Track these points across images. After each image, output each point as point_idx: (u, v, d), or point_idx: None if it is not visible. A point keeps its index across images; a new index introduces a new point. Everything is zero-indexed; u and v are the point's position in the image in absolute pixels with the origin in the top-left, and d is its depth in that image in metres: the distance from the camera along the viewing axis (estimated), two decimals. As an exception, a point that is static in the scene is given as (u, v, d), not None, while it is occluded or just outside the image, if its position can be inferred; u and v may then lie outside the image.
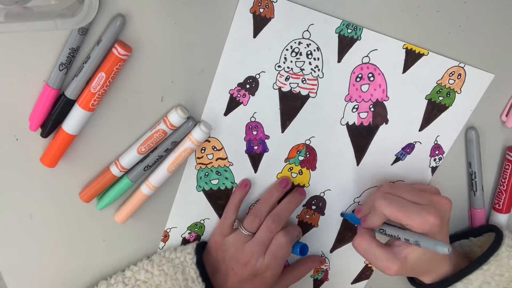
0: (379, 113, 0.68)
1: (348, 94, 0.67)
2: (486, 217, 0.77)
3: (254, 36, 0.62)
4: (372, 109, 0.68)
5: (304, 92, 0.66)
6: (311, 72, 0.65)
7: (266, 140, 0.69)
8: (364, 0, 0.62)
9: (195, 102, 0.65)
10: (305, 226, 0.76)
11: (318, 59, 0.64)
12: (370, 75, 0.66)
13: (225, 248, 0.70)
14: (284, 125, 0.68)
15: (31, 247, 0.70)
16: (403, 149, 0.71)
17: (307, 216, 0.75)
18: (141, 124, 0.65)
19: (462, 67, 0.67)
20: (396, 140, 0.71)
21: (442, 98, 0.68)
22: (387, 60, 0.66)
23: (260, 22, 0.62)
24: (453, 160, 0.73)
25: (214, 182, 0.70)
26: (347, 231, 0.77)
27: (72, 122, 0.61)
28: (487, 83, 0.68)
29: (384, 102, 0.68)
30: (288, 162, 0.70)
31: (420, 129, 0.70)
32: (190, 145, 0.64)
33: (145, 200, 0.68)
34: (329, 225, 0.76)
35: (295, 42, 0.63)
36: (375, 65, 0.66)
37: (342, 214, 0.75)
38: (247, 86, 0.65)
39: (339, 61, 0.65)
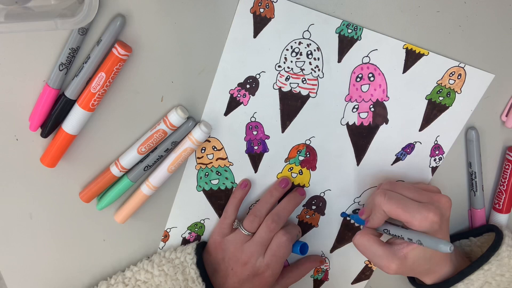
0: (379, 113, 0.68)
1: (348, 94, 0.67)
2: (486, 217, 0.77)
3: (254, 36, 0.62)
4: (372, 109, 0.68)
5: (304, 92, 0.66)
6: (311, 72, 0.65)
7: (266, 140, 0.68)
8: (364, 0, 0.62)
9: (195, 102, 0.65)
10: (305, 226, 0.76)
11: (318, 59, 0.64)
12: (370, 75, 0.66)
13: (225, 248, 0.70)
14: (284, 125, 0.68)
15: (31, 247, 0.70)
16: (403, 149, 0.71)
17: (307, 216, 0.75)
18: (141, 124, 0.65)
19: (462, 67, 0.67)
20: (396, 140, 0.70)
21: (442, 98, 0.68)
22: (387, 60, 0.66)
23: (260, 22, 0.62)
24: (453, 160, 0.73)
25: (214, 182, 0.70)
26: (347, 231, 0.77)
27: (72, 122, 0.61)
28: (487, 83, 0.68)
29: (384, 102, 0.68)
30: (288, 162, 0.70)
31: (420, 129, 0.70)
32: (190, 145, 0.64)
33: (145, 200, 0.68)
34: (329, 225, 0.76)
35: (295, 42, 0.63)
36: (375, 65, 0.66)
37: (344, 214, 0.75)
38: (247, 86, 0.65)
39: (339, 61, 0.65)
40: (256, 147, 0.69)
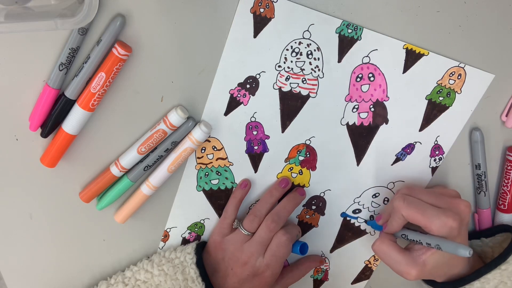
0: (379, 113, 0.68)
1: (348, 94, 0.67)
2: (491, 217, 0.77)
3: (255, 36, 0.62)
4: (372, 109, 0.68)
5: (304, 92, 0.66)
6: (311, 72, 0.65)
7: (266, 140, 0.68)
8: (364, 0, 0.62)
9: (195, 102, 0.65)
10: (305, 226, 0.76)
11: (319, 59, 0.64)
12: (370, 75, 0.66)
13: (225, 248, 0.70)
14: (284, 125, 0.68)
15: (31, 247, 0.70)
16: (403, 149, 0.71)
17: (307, 216, 0.75)
18: (141, 124, 0.65)
19: (462, 67, 0.67)
20: (396, 140, 0.70)
21: (442, 98, 0.68)
22: (388, 60, 0.65)
23: (260, 22, 0.62)
24: (453, 161, 0.73)
25: (214, 182, 0.70)
26: (347, 231, 0.77)
27: (72, 122, 0.61)
28: (487, 83, 0.68)
29: (384, 102, 0.68)
30: (288, 162, 0.70)
31: (420, 129, 0.70)
32: (190, 145, 0.64)
33: (145, 200, 0.68)
34: (329, 225, 0.76)
35: (295, 42, 0.63)
36: (376, 65, 0.66)
37: (344, 214, 0.75)
38: (248, 86, 0.65)
39: (339, 61, 0.65)
40: (256, 147, 0.69)
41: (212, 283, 0.68)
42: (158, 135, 0.63)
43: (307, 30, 0.63)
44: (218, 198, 0.71)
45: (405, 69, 0.66)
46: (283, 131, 0.68)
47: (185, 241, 0.74)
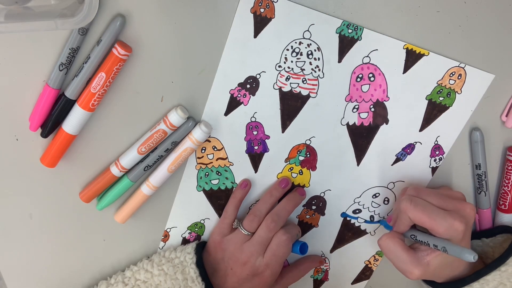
0: (380, 113, 0.68)
1: (349, 94, 0.67)
2: (492, 217, 0.77)
3: (255, 36, 0.62)
4: (372, 109, 0.68)
5: (304, 92, 0.66)
6: (311, 72, 0.65)
7: (266, 140, 0.68)
8: (364, 0, 0.62)
9: (195, 102, 0.65)
10: (305, 226, 0.76)
11: (319, 59, 0.64)
12: (370, 75, 0.66)
13: (224, 247, 0.70)
14: (284, 125, 0.68)
15: (31, 247, 0.70)
16: (403, 149, 0.71)
17: (307, 216, 0.75)
18: (141, 124, 0.65)
19: (463, 68, 0.67)
20: (396, 140, 0.70)
21: (442, 98, 0.68)
22: (388, 60, 0.65)
23: (260, 22, 0.62)
24: (453, 161, 0.73)
25: (214, 182, 0.70)
26: (347, 231, 0.77)
27: (72, 122, 0.61)
28: (487, 83, 0.68)
29: (384, 102, 0.68)
30: (288, 162, 0.70)
31: (421, 130, 0.70)
32: (191, 145, 0.64)
33: (146, 200, 0.68)
34: (329, 225, 0.76)
35: (295, 42, 0.63)
36: (376, 65, 0.66)
37: (344, 214, 0.75)
38: (248, 86, 0.65)
39: (339, 61, 0.65)
40: (256, 147, 0.69)
41: (212, 283, 0.68)
42: (158, 135, 0.63)
43: (308, 30, 0.63)
44: (218, 198, 0.71)
45: (405, 69, 0.66)
46: (283, 131, 0.68)
47: (185, 241, 0.74)
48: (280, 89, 0.65)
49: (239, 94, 0.65)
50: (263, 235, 0.68)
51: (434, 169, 0.73)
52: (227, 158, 0.69)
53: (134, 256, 0.73)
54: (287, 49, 0.63)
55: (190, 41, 0.61)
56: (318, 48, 0.64)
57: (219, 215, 0.72)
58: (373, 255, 0.79)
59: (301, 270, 0.75)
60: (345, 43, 0.64)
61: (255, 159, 0.69)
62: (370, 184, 0.73)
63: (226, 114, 0.66)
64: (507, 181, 0.73)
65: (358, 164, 0.71)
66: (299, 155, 0.70)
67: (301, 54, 0.64)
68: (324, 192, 0.73)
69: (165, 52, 0.61)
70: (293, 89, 0.66)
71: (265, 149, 0.69)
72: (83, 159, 0.65)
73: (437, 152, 0.72)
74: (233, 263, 0.69)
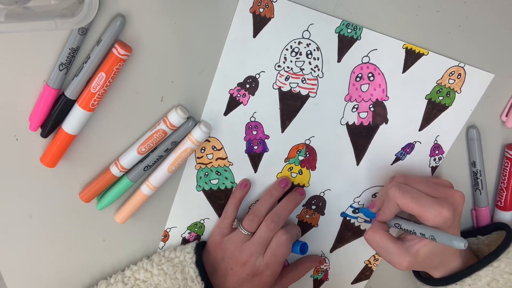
0: (379, 113, 0.68)
1: (348, 93, 0.67)
2: (490, 215, 0.77)
3: (254, 36, 0.62)
4: (372, 109, 0.68)
5: (304, 92, 0.66)
6: (311, 72, 0.65)
7: (266, 140, 0.69)
8: (364, 0, 0.62)
9: (195, 102, 0.65)
10: (305, 226, 0.76)
11: (318, 58, 0.64)
12: (370, 74, 0.66)
13: (224, 247, 0.70)
14: (284, 125, 0.68)
15: (31, 247, 0.70)
16: (403, 149, 0.71)
17: (307, 216, 0.75)
18: (141, 124, 0.65)
19: (462, 67, 0.67)
20: (396, 140, 0.70)
21: (442, 97, 0.68)
22: (387, 60, 0.66)
23: (260, 21, 0.62)
24: (453, 160, 0.73)
25: (214, 182, 0.70)
26: (347, 231, 0.77)
27: (72, 122, 0.61)
28: (487, 83, 0.68)
29: (384, 102, 0.68)
30: (288, 162, 0.70)
31: (420, 129, 0.70)
32: (190, 145, 0.64)
33: (145, 200, 0.68)
34: (329, 225, 0.76)
35: (295, 42, 0.63)
36: (375, 65, 0.66)
37: (344, 214, 0.75)
38: (247, 86, 0.65)
39: (339, 60, 0.65)
40: (255, 147, 0.69)
41: (211, 283, 0.68)
42: (158, 135, 0.63)
43: (307, 30, 0.63)
44: (218, 198, 0.71)
45: (405, 69, 0.66)
46: (282, 131, 0.68)
47: (185, 241, 0.74)
48: (279, 89, 0.65)
49: (238, 94, 0.65)
50: (263, 235, 0.68)
51: (433, 169, 0.73)
52: (226, 158, 0.69)
53: (134, 256, 0.73)
54: (287, 49, 0.64)
55: (190, 41, 0.61)
56: (318, 48, 0.64)
57: (219, 215, 0.72)
58: (373, 255, 0.79)
59: (301, 270, 0.75)
60: (345, 43, 0.64)
61: (255, 159, 0.70)
62: (369, 183, 0.73)
63: (225, 114, 0.66)
64: (503, 178, 0.73)
65: (357, 164, 0.71)
66: (298, 155, 0.70)
67: (301, 54, 0.64)
68: (323, 192, 0.73)
69: (165, 52, 0.61)
70: (292, 88, 0.66)
71: (265, 149, 0.69)
72: (83, 159, 0.65)
73: (436, 152, 0.72)
74: (233, 263, 0.69)
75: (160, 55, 0.61)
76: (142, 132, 0.65)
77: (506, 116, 0.71)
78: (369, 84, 0.66)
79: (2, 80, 0.60)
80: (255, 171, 0.70)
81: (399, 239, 0.65)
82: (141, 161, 0.65)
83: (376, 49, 0.65)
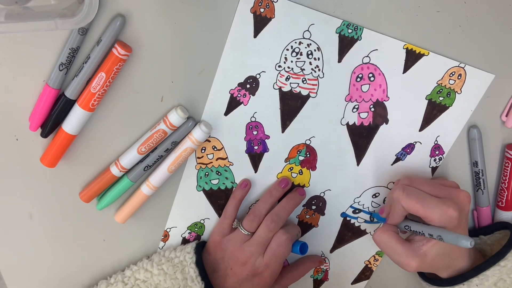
0: (379, 113, 0.68)
1: (349, 94, 0.67)
2: (491, 215, 0.77)
3: (255, 36, 0.62)
4: (372, 109, 0.68)
5: (304, 92, 0.66)
6: (311, 72, 0.65)
7: (266, 140, 0.68)
8: (364, 0, 0.62)
9: (195, 102, 0.65)
10: (305, 226, 0.76)
11: (319, 59, 0.64)
12: (370, 75, 0.66)
13: (224, 247, 0.70)
14: (284, 125, 0.68)
15: (31, 247, 0.70)
16: (403, 149, 0.71)
17: (307, 216, 0.75)
18: (141, 124, 0.65)
19: (463, 68, 0.67)
20: (396, 140, 0.70)
21: (442, 98, 0.68)
22: (388, 60, 0.65)
23: (260, 22, 0.62)
24: (453, 161, 0.73)
25: (214, 182, 0.70)
26: (347, 231, 0.77)
27: (72, 122, 0.61)
28: (487, 83, 0.68)
29: (384, 102, 0.68)
30: (288, 162, 0.70)
31: (420, 129, 0.70)
32: (191, 145, 0.64)
33: (146, 200, 0.68)
34: (329, 225, 0.76)
35: (295, 42, 0.63)
36: (376, 65, 0.66)
37: (344, 214, 0.75)
38: (248, 86, 0.65)
39: (339, 61, 0.65)
40: (256, 147, 0.69)
41: (211, 282, 0.68)
42: (158, 135, 0.63)
43: (307, 30, 0.63)
44: (218, 198, 0.71)
45: (405, 69, 0.66)
46: (283, 131, 0.68)
47: (185, 241, 0.74)
48: (280, 89, 0.65)
49: (239, 94, 0.65)
50: (263, 235, 0.68)
51: (434, 169, 0.73)
52: (227, 158, 0.69)
53: (134, 256, 0.73)
54: (287, 49, 0.63)
55: (190, 41, 0.61)
56: (318, 48, 0.64)
57: (219, 215, 0.72)
58: (373, 255, 0.79)
59: (301, 270, 0.75)
60: (345, 43, 0.64)
61: (255, 159, 0.70)
62: (370, 184, 0.73)
63: (226, 114, 0.66)
64: (504, 178, 0.73)
65: (358, 164, 0.71)
66: (299, 155, 0.70)
67: (301, 54, 0.64)
68: (324, 192, 0.73)
69: (165, 52, 0.61)
70: (293, 89, 0.66)
71: (265, 149, 0.69)
72: (83, 159, 0.65)
73: (437, 152, 0.72)
74: (233, 263, 0.69)
75: (160, 55, 0.61)
76: (142, 132, 0.65)
77: (506, 116, 0.71)
78: (369, 84, 0.66)
79: (2, 80, 0.60)
80: (256, 171, 0.70)
81: (407, 241, 0.65)
82: (141, 161, 0.65)
83: (376, 50, 0.65)
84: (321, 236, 0.77)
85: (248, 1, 0.60)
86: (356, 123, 0.69)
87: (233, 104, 0.66)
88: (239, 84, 0.65)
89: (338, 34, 0.63)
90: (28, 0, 0.55)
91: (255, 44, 0.63)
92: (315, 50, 0.64)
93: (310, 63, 0.65)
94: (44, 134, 0.62)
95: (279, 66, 0.64)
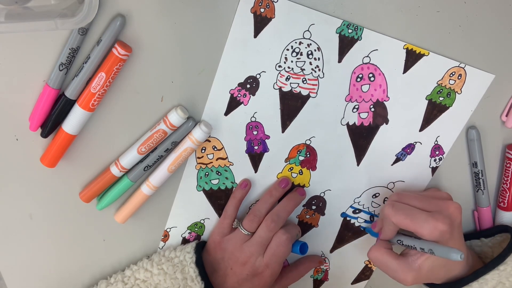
0: (380, 113, 0.68)
1: (349, 94, 0.67)
2: (492, 215, 0.77)
3: (255, 36, 0.62)
4: (372, 109, 0.68)
5: (304, 92, 0.66)
6: (311, 72, 0.65)
7: (266, 140, 0.68)
8: (364, 0, 0.62)
9: (195, 102, 0.65)
10: (305, 226, 0.76)
11: (319, 59, 0.64)
12: (370, 75, 0.66)
13: (224, 247, 0.70)
14: (284, 125, 0.68)
15: (31, 247, 0.70)
16: (403, 149, 0.71)
17: (307, 216, 0.75)
18: (141, 124, 0.65)
19: (463, 68, 0.66)
20: (396, 140, 0.70)
21: (442, 98, 0.68)
22: (388, 60, 0.65)
23: (260, 22, 0.61)
24: (453, 161, 0.73)
25: (214, 182, 0.70)
26: (347, 231, 0.77)
27: (72, 122, 0.61)
28: (487, 83, 0.68)
29: (384, 102, 0.68)
30: (288, 162, 0.70)
31: (421, 130, 0.70)
32: (191, 145, 0.64)
33: (146, 200, 0.68)
34: (329, 225, 0.76)
35: (295, 42, 0.63)
36: (376, 65, 0.65)
37: (344, 215, 0.75)
38: (248, 86, 0.65)
39: (339, 61, 0.65)
40: (256, 147, 0.69)
41: (211, 282, 0.68)
42: (158, 135, 0.63)
43: (308, 30, 0.63)
44: (218, 198, 0.71)
45: (405, 69, 0.66)
46: (283, 131, 0.68)
47: (185, 241, 0.74)
48: (280, 89, 0.65)
49: (239, 94, 0.65)
50: (263, 235, 0.68)
51: (434, 169, 0.73)
52: (227, 158, 0.69)
53: (134, 256, 0.73)
54: (287, 49, 0.63)
55: (190, 41, 0.61)
56: (318, 48, 0.64)
57: (219, 215, 0.72)
58: (373, 255, 0.79)
59: (300, 270, 0.75)
60: (345, 43, 0.64)
61: (255, 159, 0.70)
62: (370, 184, 0.73)
63: (226, 114, 0.66)
64: (506, 179, 0.73)
65: (358, 164, 0.71)
66: (299, 155, 0.70)
67: (301, 54, 0.64)
68: (324, 192, 0.73)
69: (165, 52, 0.61)
70: (293, 89, 0.66)
71: (265, 149, 0.69)
72: (83, 159, 0.65)
73: (437, 152, 0.72)
74: (233, 263, 0.69)
75: (160, 55, 0.61)
76: (142, 132, 0.65)
77: (506, 116, 0.71)
78: (369, 84, 0.66)
79: (2, 80, 0.60)
80: (256, 171, 0.70)
81: (401, 256, 0.65)
82: (141, 161, 0.65)
83: (376, 50, 0.65)
84: (321, 236, 0.77)
85: (248, 1, 0.60)
86: (356, 123, 0.68)
87: (233, 104, 0.66)
88: (239, 84, 0.65)
89: (338, 34, 0.63)
90: (28, 0, 0.54)
91: (255, 44, 0.63)
92: (315, 50, 0.64)
93: (310, 63, 0.64)
94: (44, 134, 0.62)
95: (279, 66, 0.64)
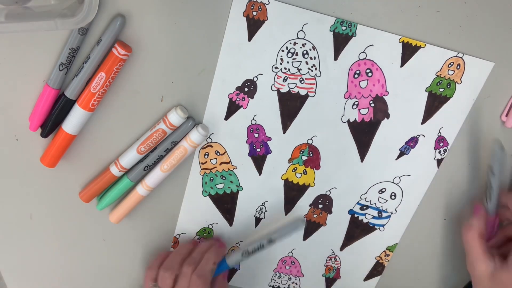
0: (380, 108, 0.68)
1: (347, 91, 0.67)
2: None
3: (249, 39, 0.63)
4: (372, 105, 0.68)
5: (303, 92, 0.66)
6: (308, 72, 0.65)
7: (268, 142, 0.68)
8: (364, 0, 0.62)
9: (195, 102, 0.65)
10: (313, 226, 0.74)
11: (315, 58, 0.65)
12: (368, 70, 0.66)
13: None
14: (285, 126, 0.68)
15: (31, 247, 0.69)
16: (406, 143, 0.70)
17: (315, 215, 0.73)
18: (141, 124, 0.65)
19: (461, 57, 0.66)
20: (399, 134, 0.70)
21: (442, 89, 0.68)
22: (384, 55, 0.66)
23: (254, 25, 0.62)
24: (458, 152, 0.71)
25: (220, 186, 0.70)
26: (356, 228, 0.75)
27: (72, 122, 0.61)
28: (487, 71, 0.67)
29: (384, 97, 0.67)
30: (291, 163, 0.70)
31: (423, 122, 0.69)
32: (185, 145, 0.63)
33: (141, 201, 0.67)
34: (337, 223, 0.74)
35: (290, 43, 0.64)
36: (373, 61, 0.66)
37: (352, 212, 0.73)
38: (246, 89, 0.65)
39: (335, 58, 0.65)
40: (258, 150, 0.68)
41: None
42: (157, 135, 0.63)
43: (301, 30, 0.63)
44: (224, 202, 0.71)
45: (403, 63, 0.66)
46: (284, 132, 0.68)
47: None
48: (278, 90, 0.66)
49: (237, 98, 0.65)
50: (184, 285, 0.65)
51: (439, 161, 0.72)
52: (230, 162, 0.68)
53: (134, 256, 0.73)
54: (282, 50, 0.64)
55: (190, 41, 0.62)
56: (313, 47, 0.64)
57: (226, 219, 0.72)
58: (384, 251, 0.76)
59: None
60: (340, 41, 0.64)
61: (258, 161, 0.69)
62: (375, 179, 0.72)
63: (226, 118, 0.66)
64: None
65: (362, 161, 0.70)
66: (302, 155, 0.69)
67: (297, 54, 0.64)
68: (329, 191, 0.72)
69: (165, 52, 0.62)
70: (291, 89, 0.66)
71: (268, 151, 0.68)
72: (83, 159, 0.65)
73: (441, 144, 0.71)
74: None
75: (160, 55, 0.62)
76: (142, 132, 0.65)
77: (506, 116, 0.70)
78: (367, 80, 0.67)
79: (2, 80, 0.61)
80: (260, 173, 0.70)
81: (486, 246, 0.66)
82: (141, 161, 0.65)
83: (372, 45, 0.65)
84: (330, 235, 0.75)
85: (240, 5, 0.61)
86: (357, 119, 0.68)
87: (232, 108, 0.66)
88: (237, 88, 0.65)
89: (332, 32, 0.64)
90: (28, 0, 0.56)
91: (250, 47, 0.63)
92: (310, 50, 0.64)
93: (307, 63, 0.65)
94: (44, 134, 0.62)
95: (276, 68, 0.65)
